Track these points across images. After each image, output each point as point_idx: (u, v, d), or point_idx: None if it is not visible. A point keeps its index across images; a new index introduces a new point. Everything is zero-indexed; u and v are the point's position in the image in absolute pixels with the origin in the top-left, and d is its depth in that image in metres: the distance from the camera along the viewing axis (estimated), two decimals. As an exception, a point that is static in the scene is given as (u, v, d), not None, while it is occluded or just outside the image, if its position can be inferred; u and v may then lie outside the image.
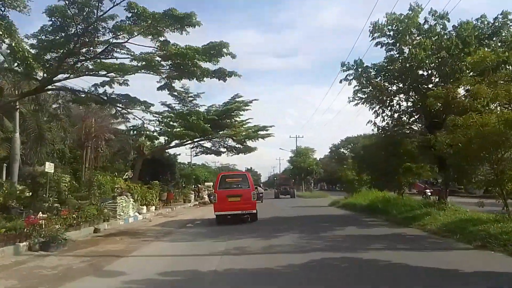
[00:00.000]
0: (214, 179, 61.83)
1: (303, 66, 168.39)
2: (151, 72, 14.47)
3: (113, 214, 16.85)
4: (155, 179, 32.25)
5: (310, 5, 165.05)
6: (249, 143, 30.43)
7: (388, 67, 14.74)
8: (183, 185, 43.07)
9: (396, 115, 15.49)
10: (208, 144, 31.99)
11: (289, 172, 74.15)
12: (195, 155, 33.20)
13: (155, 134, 21.28)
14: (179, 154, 40.15)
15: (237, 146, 31.12)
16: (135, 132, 23.67)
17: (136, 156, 29.52)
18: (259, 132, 29.45)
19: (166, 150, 37.06)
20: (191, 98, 24.19)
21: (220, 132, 28.33)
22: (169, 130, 21.39)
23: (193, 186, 39.87)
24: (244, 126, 29.16)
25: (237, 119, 28.12)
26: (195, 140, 29.67)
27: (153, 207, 23.16)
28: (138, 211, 19.79)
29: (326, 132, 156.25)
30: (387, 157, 17.54)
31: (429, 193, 20.99)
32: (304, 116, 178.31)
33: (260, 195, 35.23)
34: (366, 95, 14.84)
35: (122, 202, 17.49)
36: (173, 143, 28.81)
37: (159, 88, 16.01)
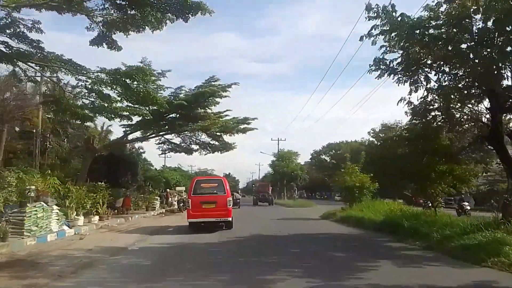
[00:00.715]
0: (187, 184, 56.27)
1: (284, 72, 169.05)
2: (73, 10, 9.18)
3: (19, 229, 11.36)
4: (113, 181, 26.68)
5: (292, 12, 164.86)
6: (227, 138, 25.23)
7: (428, 23, 9.93)
8: (150, 189, 37.43)
9: (437, 92, 10.57)
10: (177, 140, 26.60)
11: (270, 178, 69.17)
12: (162, 153, 27.79)
13: (85, 111, 15.16)
14: (144, 152, 34.41)
15: (212, 142, 25.87)
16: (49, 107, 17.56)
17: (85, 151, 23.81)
18: (240, 126, 24.18)
19: (129, 146, 31.53)
20: (154, 78, 18.76)
21: (194, 125, 22.95)
22: (106, 105, 15.50)
23: (161, 190, 34.26)
24: (221, 118, 23.93)
25: (213, 108, 22.85)
26: (160, 133, 24.27)
27: (97, 217, 17.63)
28: (68, 224, 14.24)
29: (306, 139, 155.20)
30: (414, 155, 12.80)
31: (468, 207, 16.32)
32: (283, 122, 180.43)
33: (238, 200, 35.94)
34: (400, 58, 9.89)
35: (35, 211, 11.97)
36: (133, 136, 23.35)
37: (93, 42, 10.64)
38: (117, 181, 27.31)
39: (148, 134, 23.46)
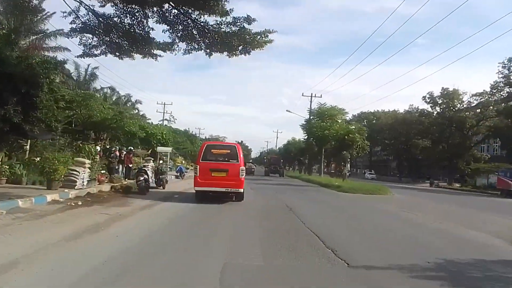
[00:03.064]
0: (187, 147, 40.40)
1: (303, 46, 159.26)
2: None
3: None
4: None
5: None
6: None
7: None
8: (110, 147, 21.29)
9: None
10: (114, 16, 9.93)
11: (295, 146, 52.89)
12: (82, 55, 11.59)
13: None
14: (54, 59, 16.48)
15: (213, 26, 9.21)
16: None
17: None
18: None
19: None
20: None
21: None
22: None
23: (114, 149, 18.09)
24: None
25: None
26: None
27: None
28: None
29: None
30: None
31: None
32: (300, 97, 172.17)
33: (252, 170, 45.19)
34: None
35: None
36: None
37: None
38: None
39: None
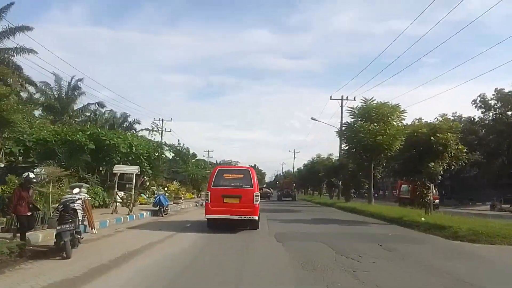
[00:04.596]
0: (181, 167, 31.44)
1: (314, 69, 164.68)
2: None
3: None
4: None
5: (325, 8, 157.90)
6: None
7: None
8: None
9: None
10: None
11: (326, 163, 41.69)
12: None
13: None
14: None
15: None
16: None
17: None
18: None
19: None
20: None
21: None
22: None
23: None
24: None
25: None
26: None
27: None
28: None
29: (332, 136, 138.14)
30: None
31: None
32: (311, 120, 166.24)
33: (268, 194, 49.12)
34: None
35: None
36: None
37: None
38: None
39: None
